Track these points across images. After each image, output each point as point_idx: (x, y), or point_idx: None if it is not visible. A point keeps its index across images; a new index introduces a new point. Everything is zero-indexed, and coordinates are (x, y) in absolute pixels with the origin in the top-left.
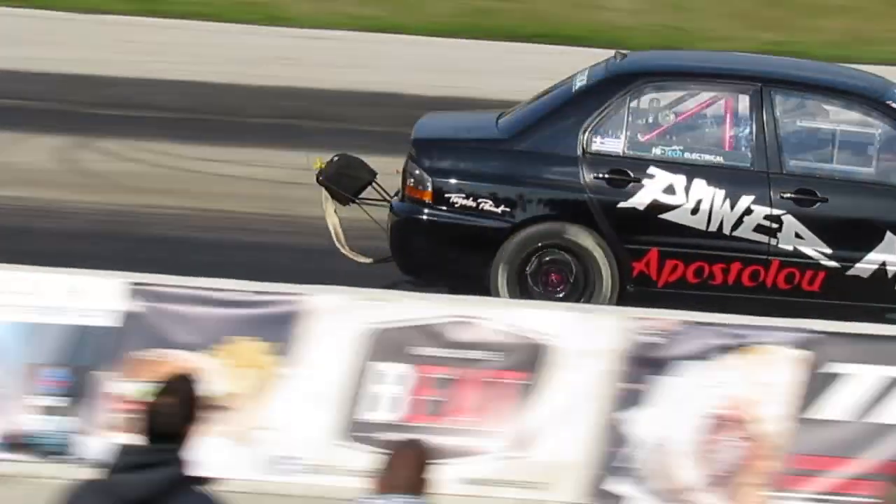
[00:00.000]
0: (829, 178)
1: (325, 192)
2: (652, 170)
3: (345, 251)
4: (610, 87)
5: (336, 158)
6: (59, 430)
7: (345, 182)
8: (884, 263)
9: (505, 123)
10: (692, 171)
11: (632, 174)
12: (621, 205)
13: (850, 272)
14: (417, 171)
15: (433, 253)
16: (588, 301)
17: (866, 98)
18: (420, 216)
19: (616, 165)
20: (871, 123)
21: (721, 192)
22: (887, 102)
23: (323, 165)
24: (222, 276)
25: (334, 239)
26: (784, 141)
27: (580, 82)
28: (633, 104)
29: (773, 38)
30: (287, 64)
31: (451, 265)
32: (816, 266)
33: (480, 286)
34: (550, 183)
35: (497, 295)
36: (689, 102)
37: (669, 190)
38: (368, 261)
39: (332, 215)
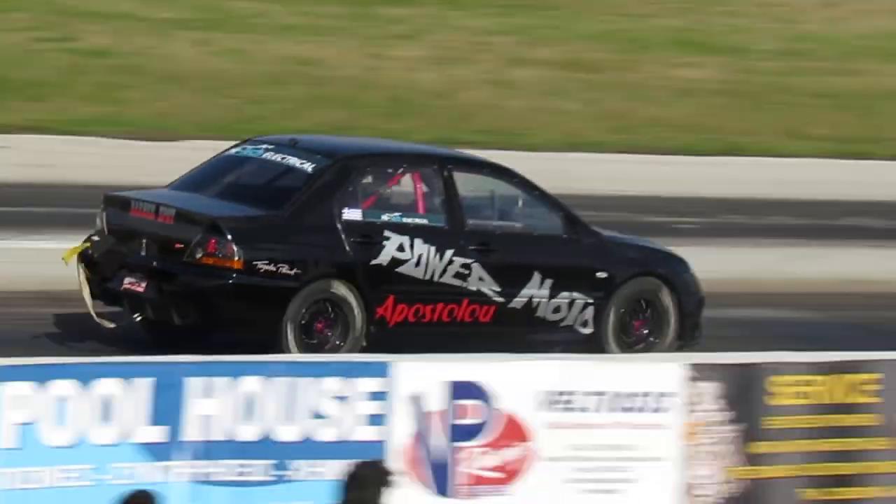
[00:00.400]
0: (494, 232)
1: (84, 270)
2: (387, 233)
3: (97, 319)
4: (340, 167)
5: (98, 239)
6: None
7: (113, 259)
8: (531, 297)
9: (254, 198)
10: (412, 231)
11: (374, 237)
12: (372, 262)
13: (510, 305)
14: (223, 243)
15: (238, 312)
16: (344, 343)
17: (504, 170)
18: (229, 281)
19: (363, 231)
20: (512, 189)
21: (433, 248)
22: (521, 175)
23: (87, 245)
24: None
25: (90, 309)
26: (463, 204)
27: (305, 165)
28: (361, 180)
29: None
30: None
31: (254, 322)
32: (490, 302)
33: (272, 338)
34: (323, 249)
35: (286, 346)
36: (398, 177)
37: (400, 248)
38: (113, 325)
39: (87, 288)
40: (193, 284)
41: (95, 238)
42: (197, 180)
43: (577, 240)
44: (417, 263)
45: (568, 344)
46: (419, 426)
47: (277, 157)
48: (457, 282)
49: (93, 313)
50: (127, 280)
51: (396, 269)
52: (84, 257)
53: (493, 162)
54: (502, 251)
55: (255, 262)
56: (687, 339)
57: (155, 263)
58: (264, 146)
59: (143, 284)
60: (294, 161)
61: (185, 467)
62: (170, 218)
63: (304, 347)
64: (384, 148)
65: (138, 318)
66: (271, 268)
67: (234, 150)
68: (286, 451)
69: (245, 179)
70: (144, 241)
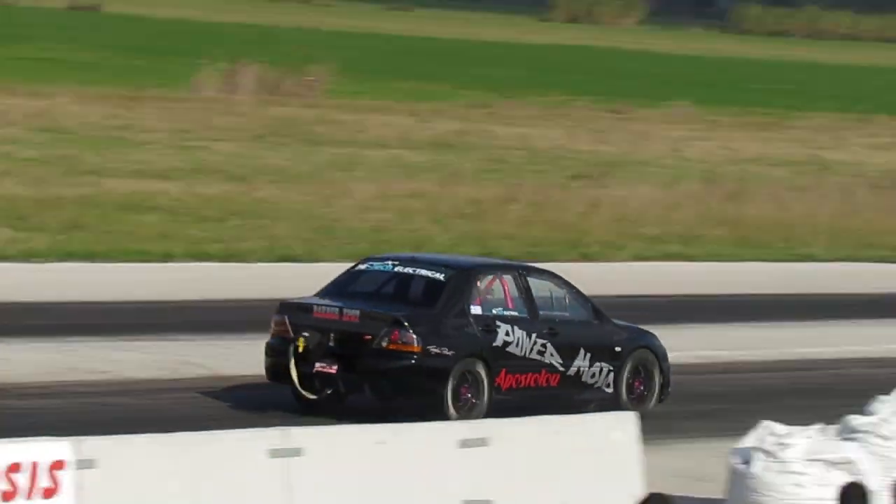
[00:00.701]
0: (556, 320)
1: (293, 356)
2: (498, 323)
3: (302, 392)
4: (464, 276)
5: (308, 335)
6: None
7: (317, 349)
8: (579, 367)
9: (410, 300)
10: (511, 321)
11: (491, 326)
12: (493, 345)
13: (568, 373)
14: (405, 334)
15: (418, 383)
16: (474, 408)
17: (554, 275)
18: (412, 361)
19: (484, 322)
20: (560, 289)
21: (524, 332)
22: (564, 278)
23: (303, 340)
24: None
25: (297, 385)
26: (536, 300)
27: (437, 275)
28: (477, 285)
29: None
30: None
31: (427, 390)
32: (557, 371)
33: (438, 402)
34: (465, 335)
35: (446, 408)
36: (494, 282)
37: (507, 334)
38: (314, 397)
39: (295, 371)
40: (385, 365)
41: (306, 334)
42: (346, 289)
43: (600, 324)
44: (517, 345)
45: (598, 402)
46: None
47: (409, 270)
48: (538, 357)
49: (300, 389)
50: (318, 364)
51: (506, 349)
52: (294, 349)
53: (547, 269)
54: (562, 334)
55: (428, 347)
56: (665, 394)
57: (346, 351)
58: (390, 262)
59: (335, 367)
60: (424, 272)
61: None
62: (355, 318)
63: (455, 410)
64: (481, 261)
65: (328, 392)
66: (437, 350)
67: (363, 266)
68: None
69: (391, 287)
70: (332, 335)
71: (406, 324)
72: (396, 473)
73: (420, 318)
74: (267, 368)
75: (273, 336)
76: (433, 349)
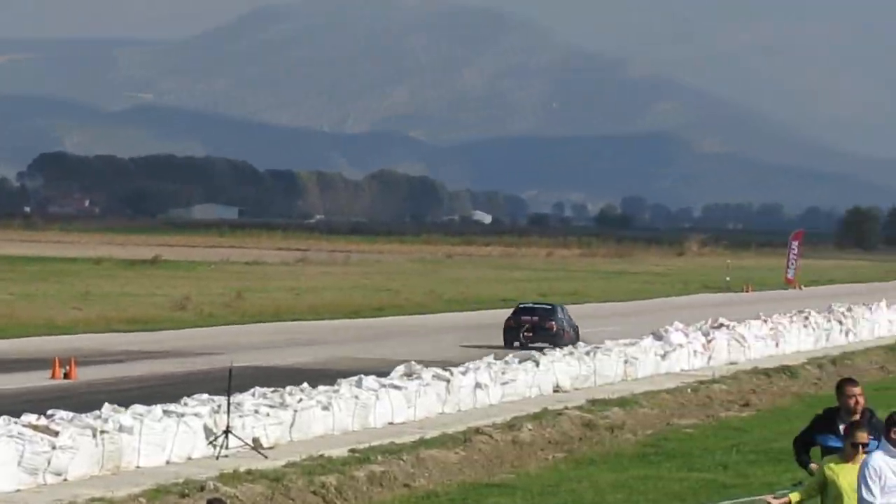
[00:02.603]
0: (570, 319)
1: (523, 331)
2: (563, 322)
3: (522, 342)
4: (557, 307)
5: (526, 325)
6: None
7: (528, 329)
8: (570, 331)
9: (545, 315)
10: (567, 318)
11: (567, 323)
12: (565, 327)
13: (571, 333)
14: (553, 322)
15: (557, 340)
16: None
17: (564, 307)
18: (555, 332)
19: (563, 322)
20: (565, 310)
21: (568, 322)
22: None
23: (524, 324)
24: None
25: (522, 341)
26: (566, 313)
27: (547, 306)
28: (559, 309)
29: None
30: None
31: (557, 342)
32: (568, 332)
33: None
34: (565, 324)
35: (562, 347)
36: (562, 310)
37: (567, 323)
38: (521, 344)
39: (522, 335)
40: (548, 334)
41: (526, 325)
42: (523, 311)
43: (571, 319)
44: (566, 327)
45: (571, 340)
46: None
47: (538, 306)
48: (570, 330)
49: (523, 341)
50: (525, 334)
51: (566, 330)
52: (524, 328)
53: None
54: (572, 323)
55: (559, 328)
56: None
57: (534, 329)
58: (531, 303)
59: (531, 334)
60: (544, 305)
61: None
62: (536, 319)
63: (562, 347)
64: (556, 303)
65: (530, 344)
66: (561, 330)
67: (523, 305)
68: None
69: (536, 309)
70: (527, 324)
71: (552, 320)
72: None
73: (555, 319)
74: (505, 339)
75: (506, 327)
76: (561, 330)
